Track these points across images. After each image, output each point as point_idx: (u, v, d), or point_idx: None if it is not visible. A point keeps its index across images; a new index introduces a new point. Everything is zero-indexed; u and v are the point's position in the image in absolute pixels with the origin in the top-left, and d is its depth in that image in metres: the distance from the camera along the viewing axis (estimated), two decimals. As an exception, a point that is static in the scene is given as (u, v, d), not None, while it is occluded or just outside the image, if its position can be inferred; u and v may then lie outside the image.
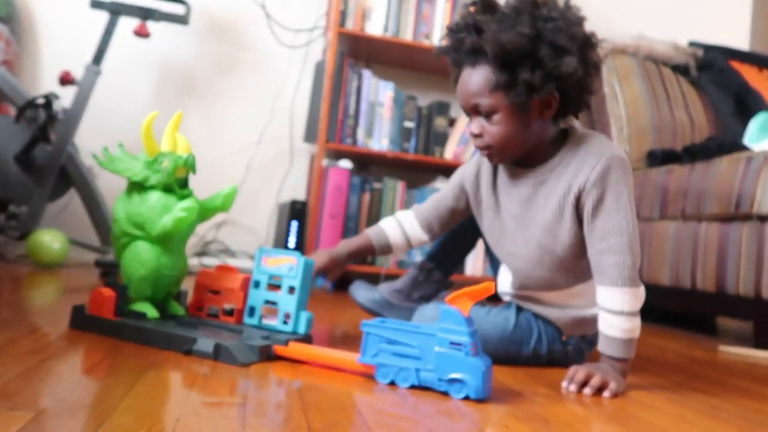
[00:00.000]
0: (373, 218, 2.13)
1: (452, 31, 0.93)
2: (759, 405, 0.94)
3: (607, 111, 2.27)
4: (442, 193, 1.14)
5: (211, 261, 2.22)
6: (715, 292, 1.72)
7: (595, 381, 0.87)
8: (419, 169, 2.37)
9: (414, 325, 0.84)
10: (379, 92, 2.17)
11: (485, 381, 0.78)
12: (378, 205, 2.14)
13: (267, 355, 0.91)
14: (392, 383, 0.83)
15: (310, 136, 2.24)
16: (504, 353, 1.02)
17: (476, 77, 0.90)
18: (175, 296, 1.09)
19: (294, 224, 2.02)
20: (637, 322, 0.91)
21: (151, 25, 2.12)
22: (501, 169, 1.03)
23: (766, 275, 1.57)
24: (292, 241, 2.02)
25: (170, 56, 2.30)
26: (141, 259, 0.99)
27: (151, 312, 1.00)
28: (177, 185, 1.02)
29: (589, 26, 0.92)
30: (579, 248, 0.96)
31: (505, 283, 1.11)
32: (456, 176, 1.13)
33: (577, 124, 1.03)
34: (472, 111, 0.94)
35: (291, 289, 1.02)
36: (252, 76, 2.37)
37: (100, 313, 0.96)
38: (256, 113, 2.35)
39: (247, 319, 1.05)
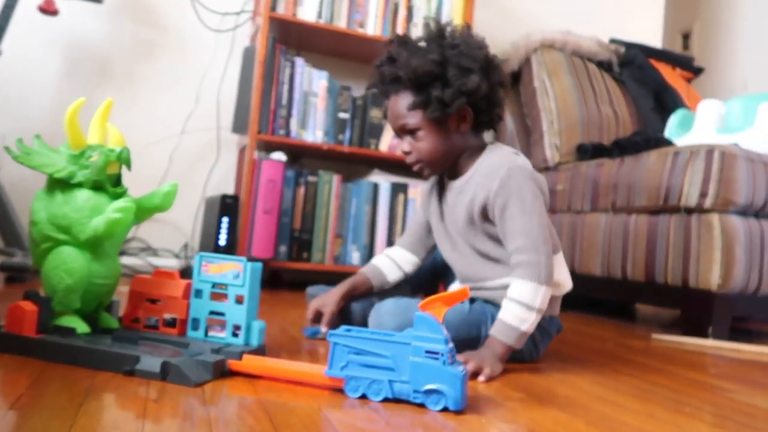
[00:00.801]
0: (309, 214, 2.05)
1: (376, 66, 1.06)
2: (715, 397, 0.96)
3: (537, 105, 2.31)
4: (416, 215, 1.25)
5: (131, 261, 2.06)
6: (644, 282, 1.79)
7: (470, 367, 0.91)
8: (354, 162, 2.31)
9: (385, 334, 0.78)
10: (312, 81, 2.09)
11: (464, 391, 0.75)
12: (313, 199, 2.06)
13: (221, 372, 0.82)
14: (363, 397, 0.77)
15: (239, 126, 2.12)
16: (466, 336, 1.04)
17: (400, 101, 1.03)
18: (107, 307, 0.97)
19: (225, 220, 1.90)
20: (532, 317, 0.97)
21: (60, 2, 1.92)
22: (441, 182, 1.15)
23: (693, 265, 1.65)
24: (222, 238, 1.91)
25: (82, 37, 2.09)
26: (68, 267, 0.87)
27: (81, 327, 0.89)
28: (109, 182, 0.91)
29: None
30: (496, 246, 1.06)
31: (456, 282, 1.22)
32: (422, 196, 1.22)
33: (491, 137, 1.19)
34: (401, 131, 1.06)
35: (239, 298, 0.94)
36: (174, 62, 2.21)
37: (21, 331, 0.84)
38: (179, 101, 2.20)
39: (191, 333, 0.95)
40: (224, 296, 0.95)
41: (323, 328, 1.13)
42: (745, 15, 3.64)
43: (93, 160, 0.89)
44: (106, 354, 0.80)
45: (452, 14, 2.26)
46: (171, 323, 0.97)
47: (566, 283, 1.11)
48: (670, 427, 0.76)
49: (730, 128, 2.02)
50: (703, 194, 1.63)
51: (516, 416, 0.76)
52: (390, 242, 2.13)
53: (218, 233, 1.90)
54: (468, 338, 1.05)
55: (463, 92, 1.00)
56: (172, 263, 2.13)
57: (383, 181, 2.16)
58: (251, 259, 1.91)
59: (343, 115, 2.13)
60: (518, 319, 0.97)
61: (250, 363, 0.84)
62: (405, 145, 1.07)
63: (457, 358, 0.84)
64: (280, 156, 1.97)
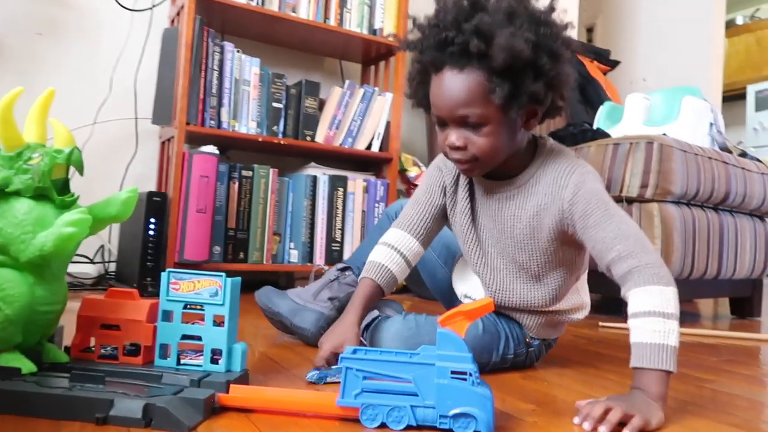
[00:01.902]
0: (244, 211, 1.90)
1: (435, 27, 0.82)
2: (697, 389, 0.98)
3: (473, 96, 2.30)
4: (421, 198, 1.02)
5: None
6: (590, 270, 1.83)
7: (614, 415, 0.70)
8: (288, 155, 2.18)
9: (404, 354, 0.71)
10: (244, 69, 1.93)
11: (494, 413, 0.69)
12: (249, 195, 1.92)
13: (212, 409, 0.71)
14: (382, 425, 0.70)
15: (160, 116, 1.93)
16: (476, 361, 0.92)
17: (466, 84, 0.80)
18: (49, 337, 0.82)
19: (152, 221, 1.72)
20: (674, 326, 0.77)
21: (-60, -30, 1.64)
22: (475, 181, 0.98)
23: (635, 253, 1.70)
24: (150, 242, 1.72)
25: (-34, 12, 1.80)
26: (6, 294, 0.71)
27: (26, 365, 0.73)
28: (54, 190, 0.75)
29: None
30: (558, 266, 0.94)
31: (470, 290, 1.06)
32: (433, 177, 1.02)
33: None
34: (456, 121, 0.83)
35: (217, 318, 0.82)
36: (82, 43, 1.96)
37: (-49, 378, 0.68)
38: (90, 88, 1.96)
39: (159, 362, 0.82)
40: (196, 317, 0.83)
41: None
42: (646, 9, 3.86)
43: (34, 163, 0.73)
44: (69, 400, 0.66)
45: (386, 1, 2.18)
46: (133, 351, 0.83)
47: (588, 305, 1.03)
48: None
49: (656, 120, 2.11)
50: (644, 185, 1.68)
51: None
52: (331, 239, 2.04)
53: (145, 236, 1.72)
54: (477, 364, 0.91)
55: (554, 86, 0.82)
56: (87, 269, 1.91)
57: (321, 174, 2.06)
58: (183, 264, 1.75)
59: (276, 105, 2.00)
60: (661, 334, 0.76)
61: (245, 395, 0.73)
62: (456, 137, 0.83)
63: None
64: (212, 149, 1.82)
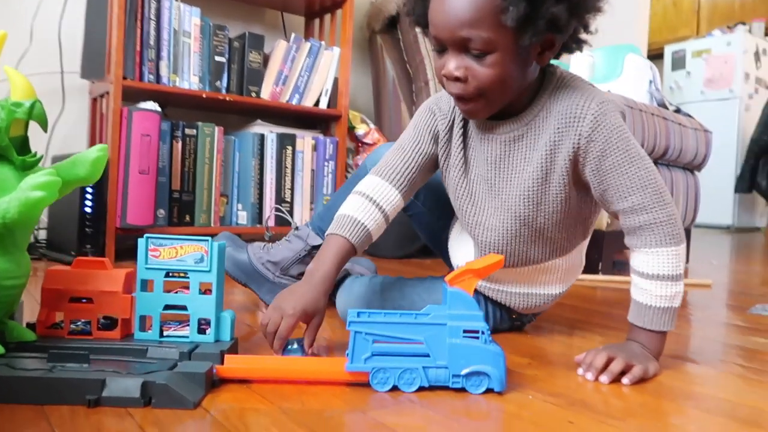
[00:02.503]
0: (189, 172, 1.80)
1: None
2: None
3: (420, 52, 2.25)
4: (407, 144, 0.89)
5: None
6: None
7: (616, 366, 0.72)
8: (232, 112, 2.07)
9: (409, 315, 0.69)
10: (183, 19, 1.79)
11: (506, 370, 0.68)
12: (193, 155, 1.81)
13: (212, 383, 0.66)
14: (393, 388, 0.68)
15: (90, 70, 1.77)
16: None
17: (473, 2, 0.68)
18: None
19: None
20: (678, 288, 0.76)
21: None
22: (471, 124, 0.85)
23: (585, 208, 1.75)
24: (87, 206, 1.60)
25: None
26: (-36, 268, 0.63)
27: (-8, 346, 0.66)
28: (13, 149, 0.66)
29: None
30: (565, 216, 0.82)
31: (465, 259, 0.92)
32: (423, 120, 0.89)
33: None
34: (456, 45, 0.71)
35: (203, 286, 0.76)
36: (-8, -14, 1.75)
37: None
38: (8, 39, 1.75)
39: (138, 335, 0.76)
40: (177, 285, 0.77)
41: (309, 349, 0.76)
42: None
43: (-13, 118, 0.64)
44: (53, 382, 0.60)
45: (331, -51, 2.08)
46: (108, 326, 0.77)
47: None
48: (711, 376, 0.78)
49: (599, 78, 2.15)
50: (595, 141, 1.72)
51: (551, 386, 0.72)
52: (280, 199, 1.97)
53: (82, 200, 1.59)
54: None
55: (579, 12, 0.71)
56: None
57: (268, 132, 1.97)
58: (126, 229, 1.64)
59: (219, 59, 1.88)
60: (667, 298, 0.75)
61: (245, 366, 0.69)
62: (455, 65, 0.72)
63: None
64: (153, 106, 1.69)
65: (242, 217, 1.93)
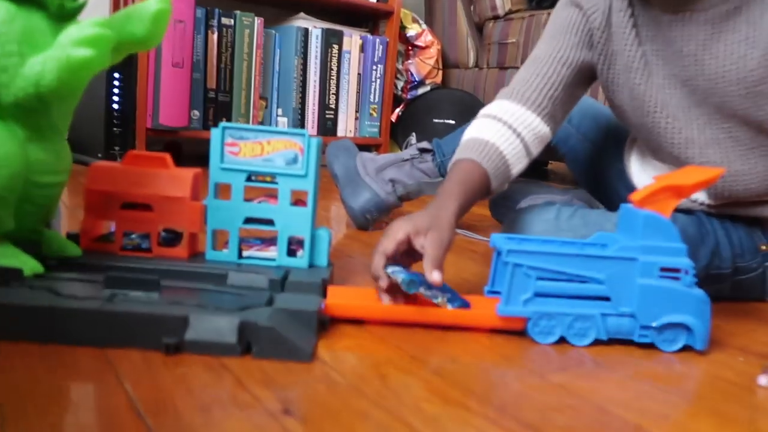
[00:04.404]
0: (226, 68, 1.58)
1: None
2: None
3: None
4: (546, 55, 0.68)
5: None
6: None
7: None
8: (271, 3, 1.82)
9: (577, 245, 0.51)
10: None
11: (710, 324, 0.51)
12: (230, 49, 1.59)
13: (322, 325, 0.50)
14: (559, 340, 0.51)
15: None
16: None
17: None
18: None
19: (116, 77, 1.39)
20: None
21: None
22: (641, 7, 0.64)
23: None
24: (115, 102, 1.40)
25: None
26: (-15, 155, 0.45)
27: (29, 264, 0.49)
28: (45, -10, 0.47)
29: None
30: None
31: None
32: (568, 20, 0.68)
33: None
34: None
35: (297, 196, 0.58)
36: None
37: None
38: None
39: (210, 254, 0.59)
40: (262, 192, 0.59)
41: (433, 275, 0.50)
42: None
43: (7, -61, 0.44)
44: (118, 318, 0.43)
45: None
46: (171, 241, 0.60)
47: None
48: None
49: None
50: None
51: (748, 343, 0.55)
52: (324, 106, 1.76)
53: (109, 94, 1.39)
54: None
55: None
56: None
57: (312, 27, 1.73)
58: (158, 131, 1.45)
59: (259, -64, 1.61)
60: None
61: (363, 302, 0.52)
62: None
63: None
64: (186, -13, 1.45)
65: (282, 123, 1.73)
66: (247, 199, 0.58)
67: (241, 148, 0.57)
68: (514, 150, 0.64)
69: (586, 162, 0.85)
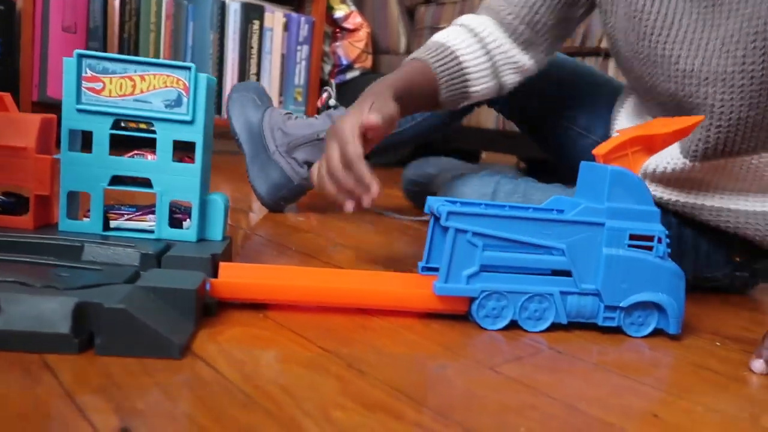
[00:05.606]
0: (129, 39, 1.41)
1: None
2: None
3: None
4: None
5: None
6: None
7: None
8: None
9: (527, 209, 0.42)
10: None
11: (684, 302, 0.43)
12: (135, 17, 1.42)
13: (204, 308, 0.37)
14: (509, 324, 0.41)
15: None
16: None
17: None
18: None
19: (-6, 39, 1.19)
20: None
21: None
22: None
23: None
24: (-7, 69, 1.21)
25: None
26: None
27: None
28: None
29: None
30: None
31: (658, 161, 0.50)
32: None
33: None
34: None
35: (181, 153, 0.46)
36: None
37: None
38: None
39: (64, 224, 0.45)
40: (141, 147, 0.46)
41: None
42: None
43: None
44: None
45: None
46: (12, 206, 0.45)
47: None
48: None
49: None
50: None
51: (734, 328, 0.48)
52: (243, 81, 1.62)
53: (-16, 60, 1.20)
54: None
55: None
56: None
57: (230, 0, 1.58)
58: (44, 104, 1.26)
59: None
60: None
61: (263, 279, 0.40)
62: None
63: None
64: (80, -59, 1.27)
65: (196, 104, 1.58)
66: (115, 154, 0.45)
67: (105, 85, 0.43)
68: (478, 65, 0.57)
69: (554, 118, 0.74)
